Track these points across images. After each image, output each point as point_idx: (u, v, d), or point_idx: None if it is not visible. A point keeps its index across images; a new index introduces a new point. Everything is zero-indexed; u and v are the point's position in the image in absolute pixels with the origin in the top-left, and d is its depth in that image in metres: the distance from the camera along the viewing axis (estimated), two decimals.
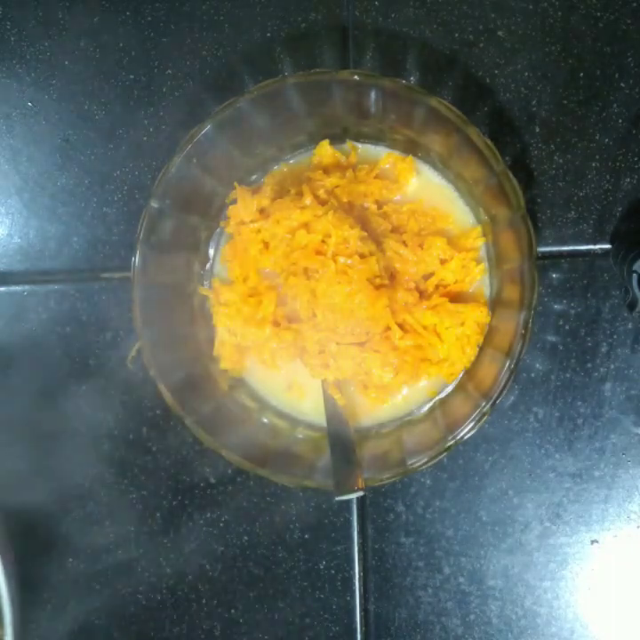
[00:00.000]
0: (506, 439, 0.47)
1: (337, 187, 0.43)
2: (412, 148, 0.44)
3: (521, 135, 0.47)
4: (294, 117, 0.42)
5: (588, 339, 0.47)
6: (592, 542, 0.48)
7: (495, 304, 0.43)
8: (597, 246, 0.47)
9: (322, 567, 0.48)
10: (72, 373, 0.48)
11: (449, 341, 0.43)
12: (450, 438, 0.40)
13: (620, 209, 0.47)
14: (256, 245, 0.42)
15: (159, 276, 0.41)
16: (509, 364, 0.39)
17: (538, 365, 0.47)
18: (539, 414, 0.47)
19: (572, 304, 0.47)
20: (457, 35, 0.46)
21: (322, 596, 0.49)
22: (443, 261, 0.43)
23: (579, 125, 0.46)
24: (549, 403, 0.47)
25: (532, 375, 0.47)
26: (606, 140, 0.46)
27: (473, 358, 0.43)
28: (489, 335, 0.43)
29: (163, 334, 0.41)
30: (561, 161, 0.47)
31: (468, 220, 0.44)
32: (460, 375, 0.44)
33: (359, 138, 0.45)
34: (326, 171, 0.44)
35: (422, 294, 0.43)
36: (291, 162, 0.45)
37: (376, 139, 0.44)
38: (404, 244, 0.43)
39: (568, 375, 0.47)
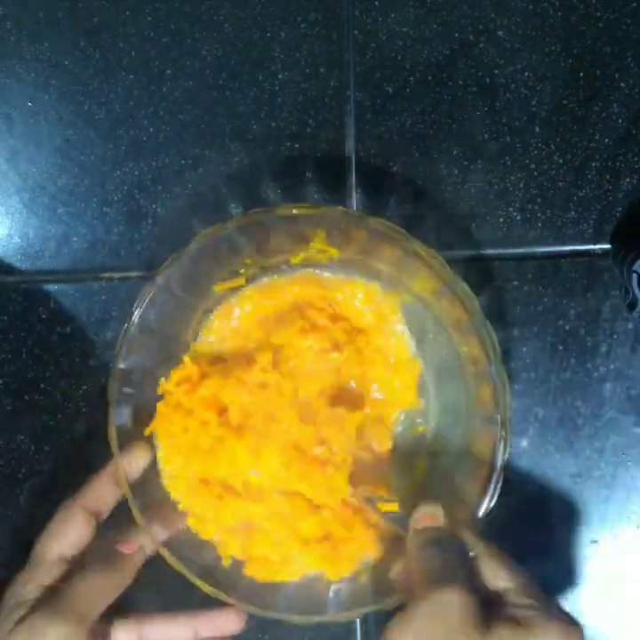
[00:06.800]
0: None
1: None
2: (361, 266, 0.44)
3: (521, 135, 0.47)
4: (237, 254, 0.42)
5: (588, 339, 0.47)
6: (592, 542, 0.48)
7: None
8: (597, 246, 0.47)
9: None
10: (72, 373, 0.48)
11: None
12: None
13: (619, 209, 0.47)
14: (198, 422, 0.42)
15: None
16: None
17: (538, 365, 0.47)
18: (539, 414, 0.47)
19: (572, 304, 0.47)
20: (457, 35, 0.46)
21: None
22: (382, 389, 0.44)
23: (579, 125, 0.46)
24: (549, 403, 0.47)
25: (532, 375, 0.47)
26: (606, 140, 0.46)
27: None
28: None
29: None
30: (561, 161, 0.47)
31: (411, 346, 0.44)
32: None
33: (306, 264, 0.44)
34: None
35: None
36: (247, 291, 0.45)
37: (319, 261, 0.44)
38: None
39: (568, 375, 0.47)
